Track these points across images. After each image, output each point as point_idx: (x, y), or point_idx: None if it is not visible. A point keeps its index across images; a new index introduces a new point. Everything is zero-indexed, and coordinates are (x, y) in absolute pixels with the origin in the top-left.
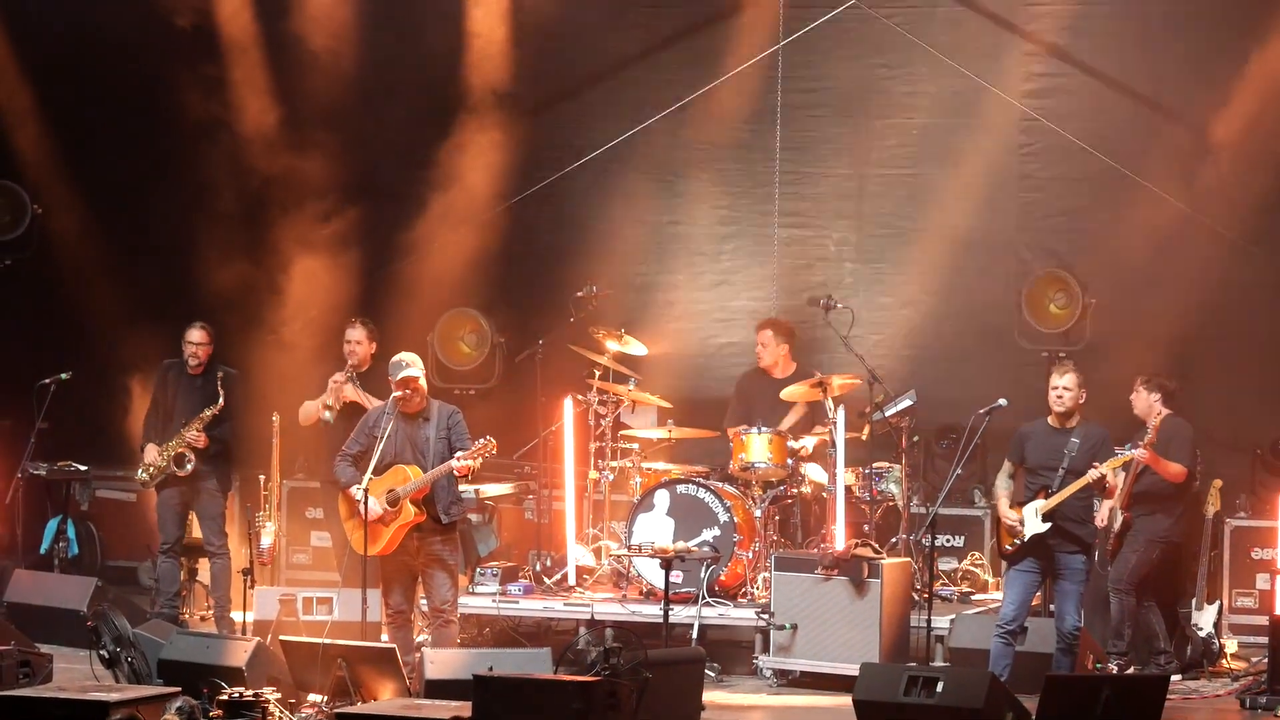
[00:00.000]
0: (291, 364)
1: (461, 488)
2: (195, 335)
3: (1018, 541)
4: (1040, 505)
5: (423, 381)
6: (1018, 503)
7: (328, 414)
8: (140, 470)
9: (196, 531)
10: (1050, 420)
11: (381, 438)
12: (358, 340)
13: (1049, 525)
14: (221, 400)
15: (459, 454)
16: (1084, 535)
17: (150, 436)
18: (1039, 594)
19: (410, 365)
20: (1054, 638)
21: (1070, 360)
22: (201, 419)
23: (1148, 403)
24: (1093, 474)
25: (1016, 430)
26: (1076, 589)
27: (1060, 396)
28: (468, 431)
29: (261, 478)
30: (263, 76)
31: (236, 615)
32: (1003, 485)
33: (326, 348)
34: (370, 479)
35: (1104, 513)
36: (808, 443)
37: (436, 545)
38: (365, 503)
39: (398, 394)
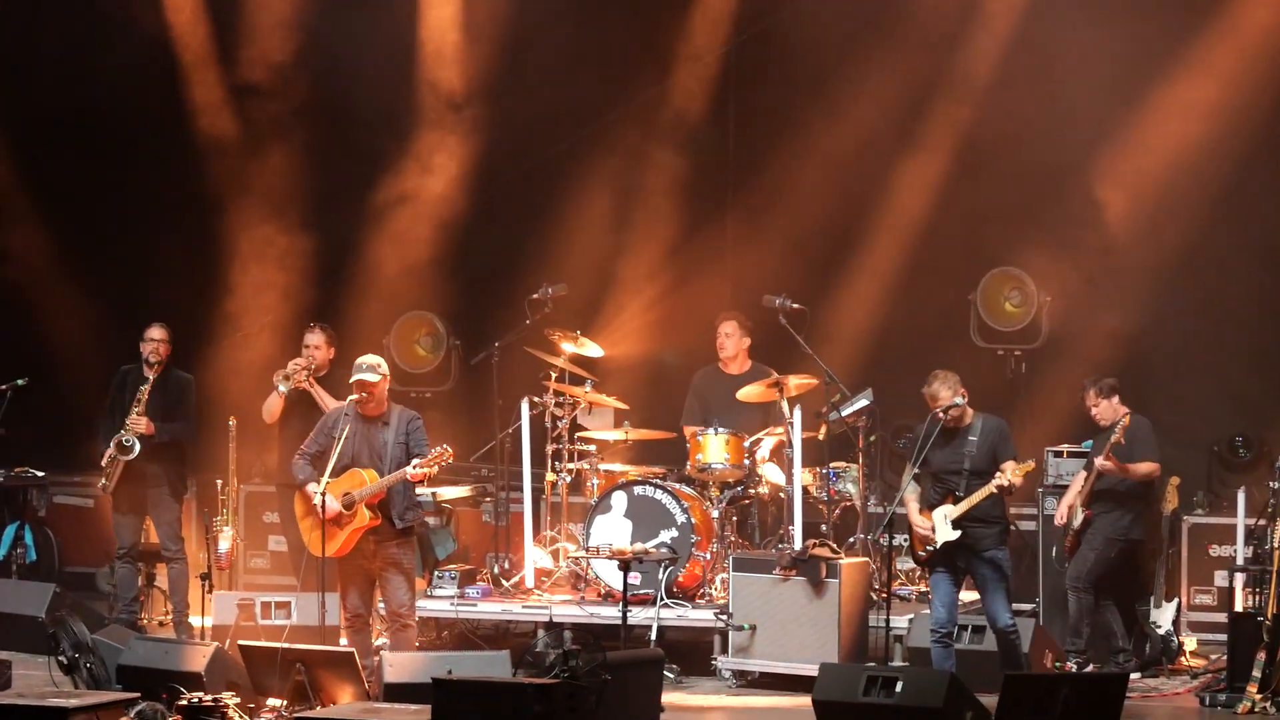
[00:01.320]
0: (249, 369)
1: (419, 491)
2: (155, 333)
3: (930, 548)
4: (949, 511)
5: (383, 386)
6: (926, 506)
7: (282, 384)
8: (102, 479)
9: (154, 536)
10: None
11: (339, 440)
12: (316, 345)
13: (960, 532)
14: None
15: (415, 461)
16: (994, 535)
17: (108, 441)
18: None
19: (369, 369)
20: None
21: (937, 371)
22: (137, 409)
23: (1113, 408)
24: (994, 484)
25: (914, 430)
26: (1000, 584)
27: (947, 412)
28: (426, 438)
29: (219, 482)
30: (218, 84)
31: (195, 620)
32: (910, 489)
33: (284, 352)
34: (327, 481)
35: (1062, 510)
36: (766, 444)
37: (393, 549)
38: (324, 505)
39: (354, 396)
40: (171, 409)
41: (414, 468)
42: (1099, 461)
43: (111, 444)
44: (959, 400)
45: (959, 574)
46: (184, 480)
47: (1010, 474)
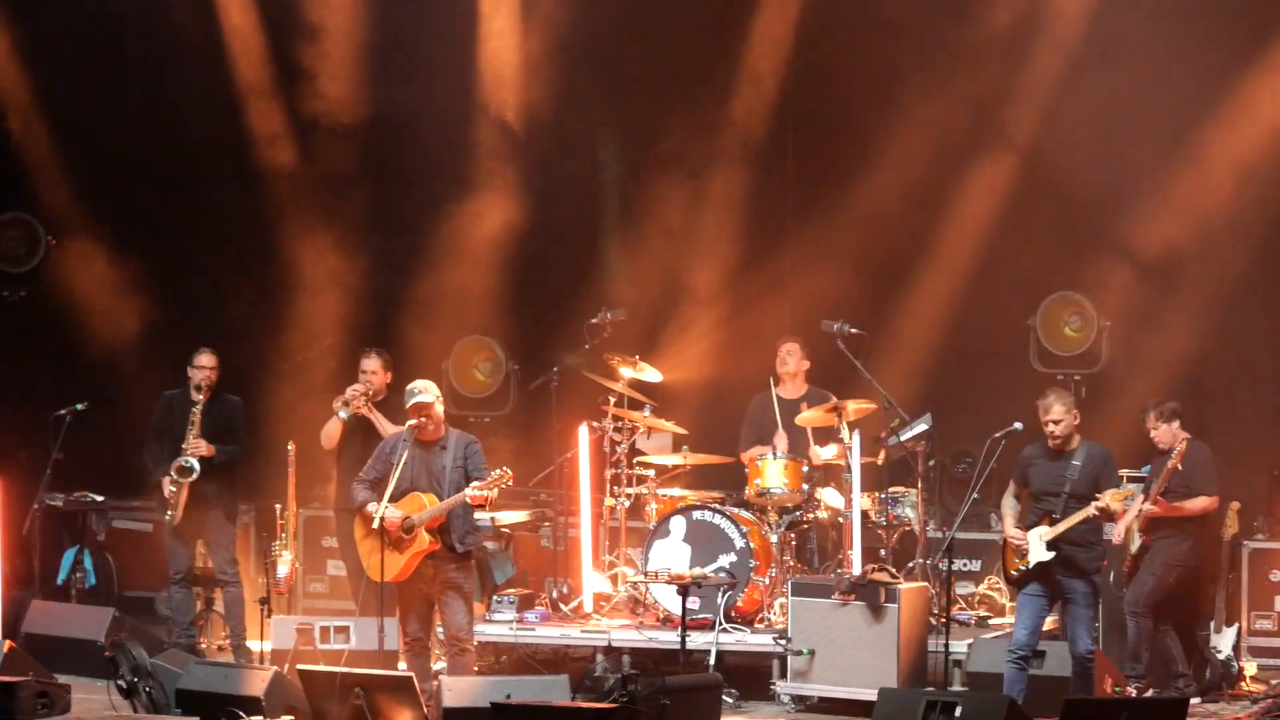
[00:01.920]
0: (306, 393)
1: (477, 515)
2: (204, 360)
3: (1023, 567)
4: (1045, 533)
5: (439, 408)
6: (1023, 526)
7: (342, 411)
8: (168, 511)
9: (208, 559)
10: (1050, 444)
11: (398, 465)
12: (373, 370)
13: (1054, 553)
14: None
15: (474, 484)
16: (1090, 559)
17: (157, 467)
18: (1054, 617)
19: (423, 392)
20: (1070, 661)
21: (1053, 389)
22: (195, 435)
23: (1172, 433)
24: (1094, 507)
25: (1021, 454)
26: (1087, 612)
27: (1052, 431)
28: (485, 461)
29: (278, 507)
30: (279, 105)
31: (254, 644)
32: (1008, 506)
33: (341, 376)
34: (387, 506)
35: (1120, 530)
36: (828, 451)
37: (452, 572)
38: (383, 532)
39: (413, 421)
40: (222, 433)
41: (473, 489)
42: (1146, 506)
43: (172, 469)
44: (1069, 421)
45: (1047, 598)
46: (237, 504)
47: (1109, 499)
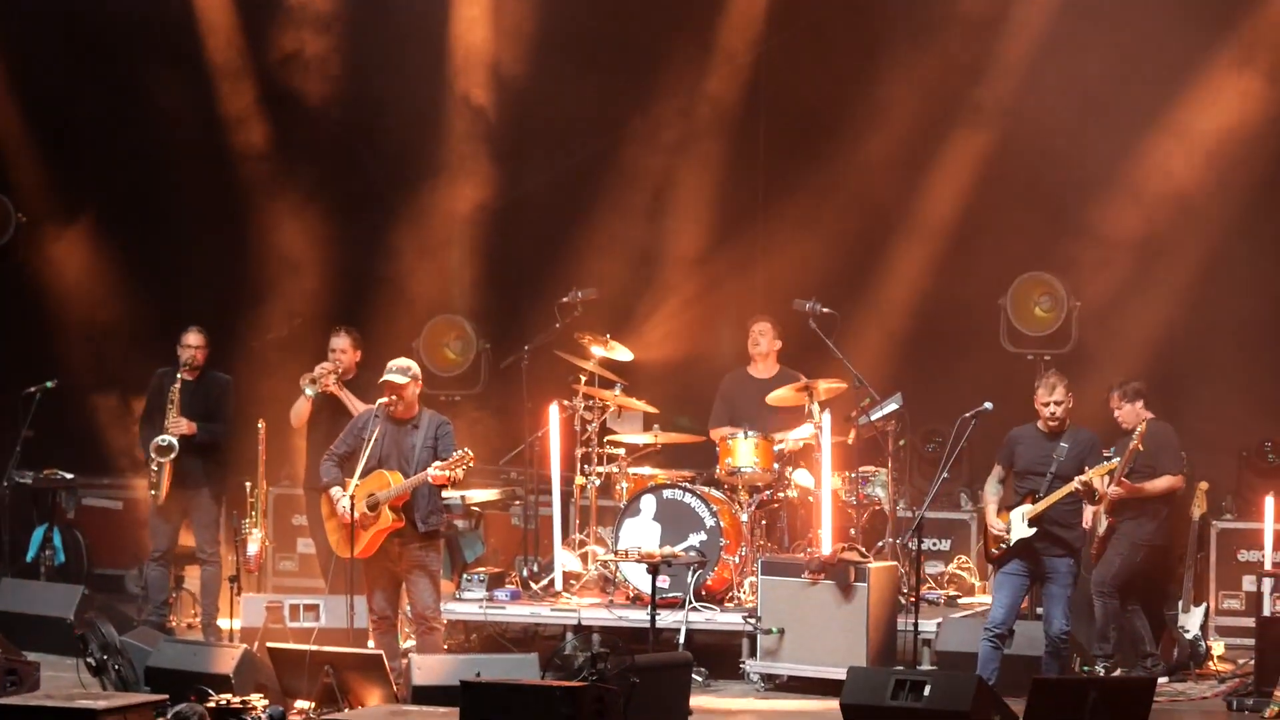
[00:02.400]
0: (277, 371)
1: (447, 494)
2: (192, 338)
3: (1003, 545)
4: (1027, 510)
5: (413, 389)
6: (1005, 508)
7: (309, 388)
8: (151, 489)
9: (185, 540)
10: (1040, 426)
11: (368, 442)
12: (342, 349)
13: (1034, 530)
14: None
15: (436, 464)
16: (1070, 539)
17: (147, 447)
18: (1026, 598)
19: (399, 371)
20: (1042, 641)
21: (1054, 371)
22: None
23: (1135, 413)
24: (1077, 482)
25: (1008, 434)
26: (1064, 592)
27: (1053, 413)
28: (455, 443)
29: (247, 484)
30: (250, 85)
31: (223, 623)
32: (991, 490)
33: (311, 355)
34: (355, 483)
35: (1088, 515)
36: (799, 432)
37: (417, 551)
38: (352, 510)
39: (383, 400)
40: (212, 412)
41: (435, 469)
42: (1111, 489)
43: (150, 447)
44: (1069, 406)
45: (1026, 578)
46: (224, 484)
47: (1092, 475)
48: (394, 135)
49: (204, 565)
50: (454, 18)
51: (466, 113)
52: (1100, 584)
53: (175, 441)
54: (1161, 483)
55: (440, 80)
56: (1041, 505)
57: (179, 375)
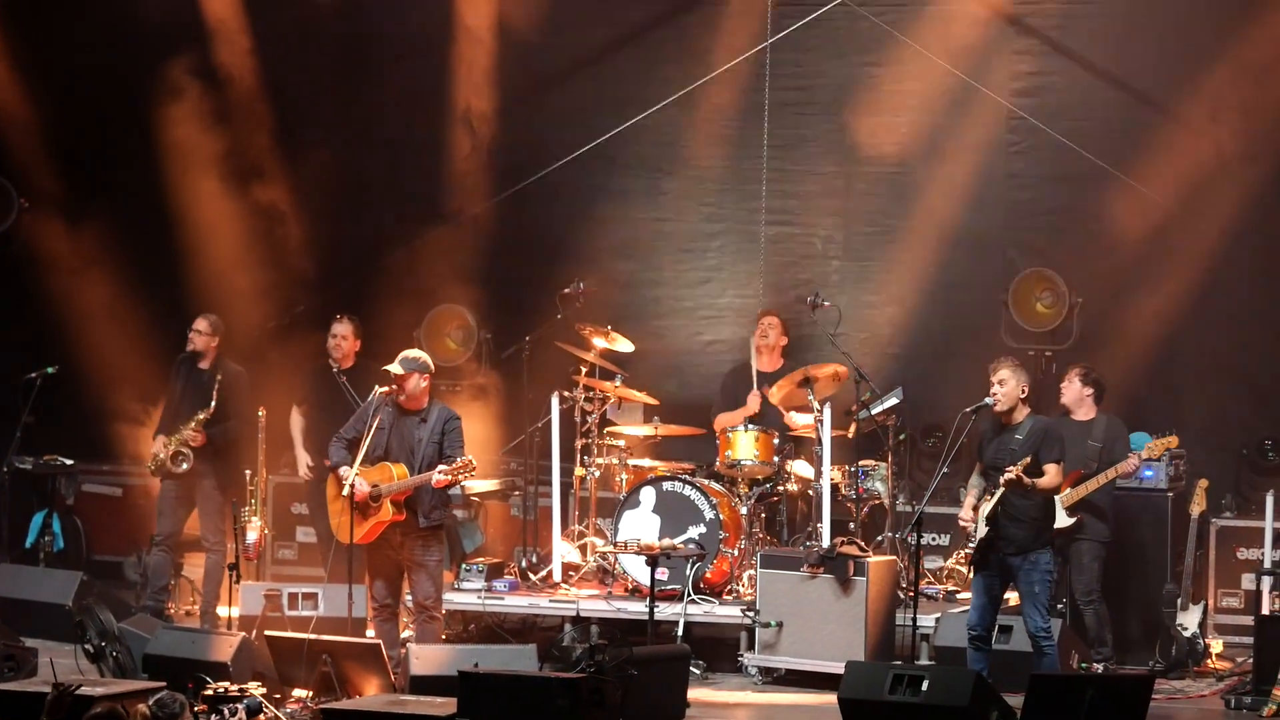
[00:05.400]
0: (278, 359)
1: None
2: (199, 324)
3: (971, 545)
4: (984, 508)
5: (419, 382)
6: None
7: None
8: (150, 461)
9: (188, 529)
10: (994, 411)
11: (370, 429)
12: (343, 335)
13: (989, 529)
14: (213, 405)
15: (440, 468)
16: (1023, 535)
17: (162, 429)
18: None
19: (400, 361)
20: None
21: (1010, 357)
22: (198, 420)
23: (1078, 394)
24: (1002, 478)
25: (945, 428)
26: (1029, 589)
27: (994, 393)
28: (461, 440)
29: (248, 472)
30: (253, 75)
31: (222, 610)
32: (973, 482)
33: (313, 343)
34: (359, 469)
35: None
36: (803, 418)
37: (418, 543)
38: (352, 500)
39: (382, 389)
40: (223, 403)
41: (438, 473)
42: (1004, 477)
43: (166, 457)
44: (1011, 389)
45: (998, 577)
46: (229, 474)
47: (1016, 471)
48: (396, 124)
49: (208, 553)
50: (455, 6)
51: (468, 102)
52: (1085, 594)
53: (190, 454)
54: (1043, 480)
55: (443, 68)
56: (988, 505)
57: (197, 364)
